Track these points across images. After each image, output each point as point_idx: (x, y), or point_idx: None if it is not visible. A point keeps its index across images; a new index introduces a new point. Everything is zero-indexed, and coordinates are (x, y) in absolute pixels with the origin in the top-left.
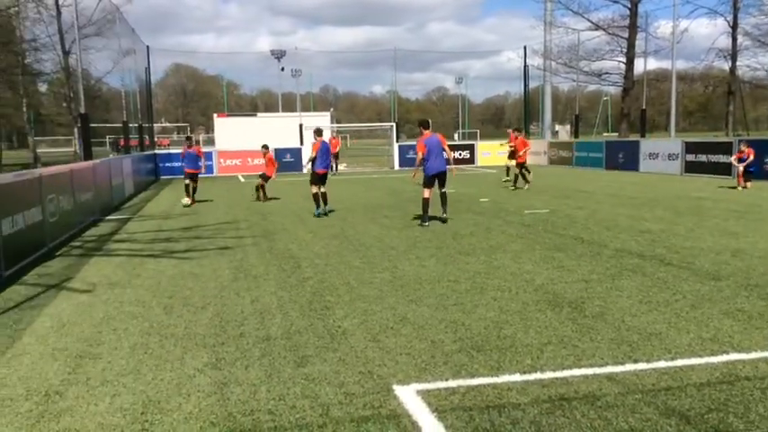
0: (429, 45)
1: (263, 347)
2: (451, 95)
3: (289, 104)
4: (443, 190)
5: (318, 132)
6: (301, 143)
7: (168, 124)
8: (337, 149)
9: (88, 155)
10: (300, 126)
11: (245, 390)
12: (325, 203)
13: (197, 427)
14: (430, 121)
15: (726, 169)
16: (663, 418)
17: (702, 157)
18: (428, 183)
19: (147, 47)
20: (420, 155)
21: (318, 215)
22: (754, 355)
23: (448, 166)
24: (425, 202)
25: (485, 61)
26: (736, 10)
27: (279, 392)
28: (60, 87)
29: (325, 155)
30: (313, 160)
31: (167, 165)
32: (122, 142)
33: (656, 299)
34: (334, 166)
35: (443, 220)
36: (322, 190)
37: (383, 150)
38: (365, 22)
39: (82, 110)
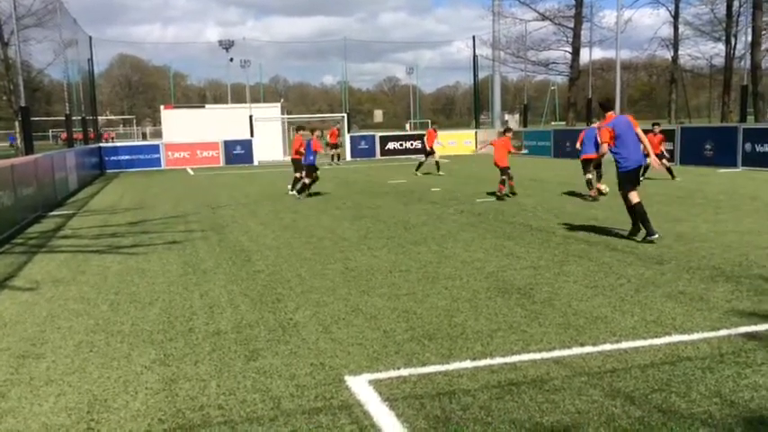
0: (380, 35)
1: (213, 342)
2: (403, 85)
3: (238, 95)
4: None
5: None
6: (251, 134)
7: (113, 117)
8: (337, 140)
9: (30, 149)
10: (250, 117)
11: (194, 385)
12: None
13: (145, 425)
14: (611, 99)
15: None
16: (608, 400)
17: None
18: (632, 181)
19: (90, 37)
20: (605, 146)
21: None
22: (695, 336)
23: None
24: (638, 207)
25: (435, 51)
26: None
27: (229, 387)
28: None
29: None
30: None
31: (113, 158)
32: (64, 136)
33: (601, 283)
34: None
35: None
36: None
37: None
38: (316, 13)
39: (22, 103)
